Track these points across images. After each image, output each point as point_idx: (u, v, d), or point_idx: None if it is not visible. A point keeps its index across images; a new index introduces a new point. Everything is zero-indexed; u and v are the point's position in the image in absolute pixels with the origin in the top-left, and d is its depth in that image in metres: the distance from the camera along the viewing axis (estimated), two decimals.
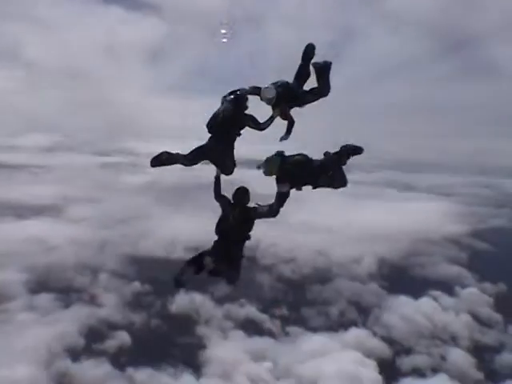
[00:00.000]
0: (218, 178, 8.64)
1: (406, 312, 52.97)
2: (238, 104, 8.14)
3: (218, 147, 8.22)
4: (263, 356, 42.55)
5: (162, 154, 8.17)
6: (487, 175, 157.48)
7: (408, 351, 46.80)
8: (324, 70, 8.23)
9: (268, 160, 8.13)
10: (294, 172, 8.02)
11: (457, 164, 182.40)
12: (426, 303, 55.27)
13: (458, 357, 45.58)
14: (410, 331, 50.07)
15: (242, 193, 8.51)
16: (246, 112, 8.32)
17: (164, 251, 64.02)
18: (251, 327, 47.73)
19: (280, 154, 8.18)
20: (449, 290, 58.53)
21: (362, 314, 53.81)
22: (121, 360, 39.31)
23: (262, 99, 8.20)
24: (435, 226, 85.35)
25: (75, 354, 39.21)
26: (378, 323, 51.65)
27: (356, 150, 8.27)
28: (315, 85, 8.44)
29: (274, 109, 8.28)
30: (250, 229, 8.43)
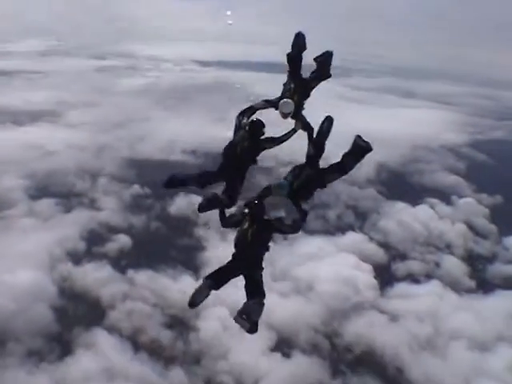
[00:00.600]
0: (222, 212, 8.29)
1: (402, 218, 53.44)
2: (254, 134, 7.97)
3: (231, 179, 8.13)
4: None
5: (173, 177, 8.16)
6: (492, 87, 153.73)
7: (403, 257, 47.83)
8: (327, 61, 8.22)
9: (276, 186, 7.93)
10: (306, 189, 7.94)
11: (463, 73, 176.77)
12: (422, 210, 55.76)
13: (452, 264, 46.75)
14: (406, 237, 50.85)
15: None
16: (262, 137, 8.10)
17: (162, 154, 63.19)
18: None
19: (290, 176, 8.11)
20: (446, 199, 58.86)
21: (359, 218, 54.36)
22: (121, 262, 39.89)
23: (279, 112, 8.13)
24: (434, 134, 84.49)
25: (76, 258, 39.43)
26: (374, 228, 52.33)
27: (365, 149, 7.85)
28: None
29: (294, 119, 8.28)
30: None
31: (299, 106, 8.18)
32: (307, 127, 8.29)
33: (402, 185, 62.70)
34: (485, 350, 36.12)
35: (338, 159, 8.03)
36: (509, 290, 42.64)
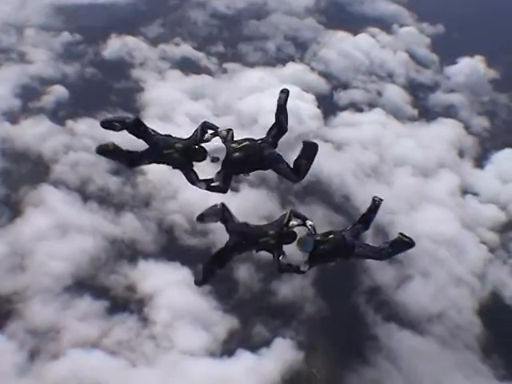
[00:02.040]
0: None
1: (343, 47, 50.22)
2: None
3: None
4: (202, 94, 40.84)
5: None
6: None
7: (345, 86, 45.94)
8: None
9: (301, 242, 7.62)
10: (327, 252, 7.70)
11: None
12: (363, 39, 52.53)
13: (394, 93, 45.50)
14: (348, 66, 48.49)
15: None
16: None
17: None
18: (188, 66, 44.71)
19: (311, 234, 7.83)
20: (387, 28, 55.56)
21: (299, 48, 50.79)
22: (59, 114, 37.17)
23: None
24: None
25: (13, 117, 36.25)
26: (315, 58, 49.29)
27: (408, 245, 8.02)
28: None
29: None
30: None
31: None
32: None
33: (341, 14, 57.82)
34: (427, 175, 36.36)
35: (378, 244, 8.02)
36: (450, 117, 42.36)
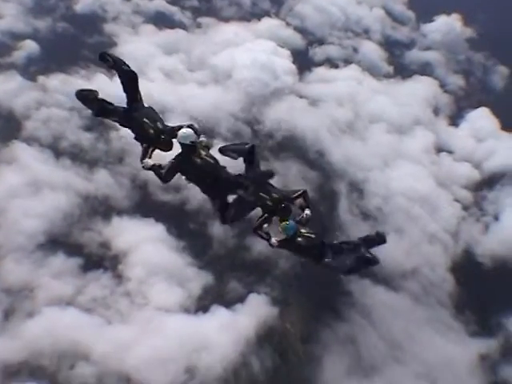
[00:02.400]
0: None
1: (319, 3, 48.57)
2: None
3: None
4: (176, 49, 39.07)
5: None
6: None
7: (321, 42, 44.60)
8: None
9: (285, 225, 7.67)
10: (300, 246, 7.79)
11: None
12: None
13: (370, 50, 44.48)
14: (323, 22, 47.00)
15: None
16: None
17: None
18: (161, 20, 42.78)
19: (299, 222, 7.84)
20: None
21: (274, 3, 48.66)
22: (30, 70, 35.11)
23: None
24: None
25: None
26: (291, 13, 47.42)
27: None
28: None
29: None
30: None
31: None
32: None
33: None
34: (402, 133, 35.86)
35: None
36: (425, 75, 41.72)
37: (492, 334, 26.37)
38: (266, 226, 7.73)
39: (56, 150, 29.78)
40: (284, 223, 7.64)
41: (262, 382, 22.65)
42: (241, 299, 25.21)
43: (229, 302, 24.78)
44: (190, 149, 7.10)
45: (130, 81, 7.19)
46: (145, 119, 7.12)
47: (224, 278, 26.21)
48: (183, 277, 25.26)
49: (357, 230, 29.44)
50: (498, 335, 26.34)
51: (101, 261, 25.17)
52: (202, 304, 24.32)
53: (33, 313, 22.24)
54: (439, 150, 35.62)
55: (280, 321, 24.89)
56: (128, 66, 7.16)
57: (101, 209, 27.58)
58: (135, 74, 7.15)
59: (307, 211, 7.82)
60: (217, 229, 27.70)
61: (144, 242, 25.91)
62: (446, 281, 28.70)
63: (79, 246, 25.51)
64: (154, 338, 22.10)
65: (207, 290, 25.23)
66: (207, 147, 7.44)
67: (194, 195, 29.16)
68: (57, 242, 25.21)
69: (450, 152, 35.66)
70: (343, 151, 32.42)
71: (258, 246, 27.42)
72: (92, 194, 27.93)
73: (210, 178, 7.15)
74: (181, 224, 27.59)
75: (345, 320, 26.14)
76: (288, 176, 31.00)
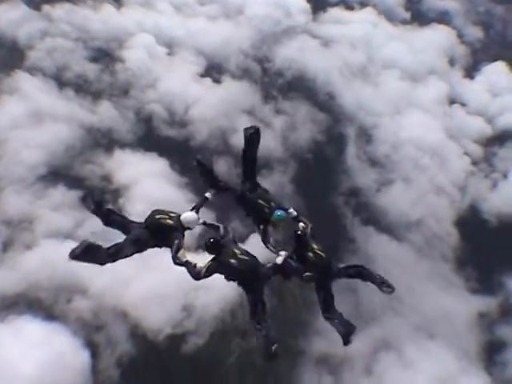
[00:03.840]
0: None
1: None
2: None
3: None
4: None
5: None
6: None
7: None
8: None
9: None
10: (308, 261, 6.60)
11: None
12: None
13: None
14: None
15: None
16: None
17: None
18: None
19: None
20: None
21: None
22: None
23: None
24: None
25: None
26: None
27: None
28: None
29: None
30: None
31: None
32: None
33: None
34: (416, 81, 34.40)
35: None
36: (443, 24, 39.74)
37: (492, 293, 25.89)
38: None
39: (60, 80, 28.94)
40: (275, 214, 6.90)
41: None
42: (242, 240, 24.76)
43: None
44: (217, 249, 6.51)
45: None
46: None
47: (226, 216, 25.68)
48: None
49: (364, 176, 28.58)
50: (499, 294, 25.85)
51: (102, 194, 24.44)
52: (202, 242, 23.67)
53: (31, 245, 21.80)
54: (452, 101, 34.27)
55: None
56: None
57: (103, 141, 26.87)
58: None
59: (301, 224, 6.96)
60: (222, 166, 26.69)
61: (146, 177, 25.22)
62: (450, 235, 28.07)
63: (80, 178, 24.86)
64: (152, 275, 21.42)
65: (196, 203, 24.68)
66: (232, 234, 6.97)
67: (200, 131, 28.15)
68: (58, 174, 24.64)
69: (463, 104, 34.29)
70: (354, 95, 31.13)
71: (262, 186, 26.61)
72: (95, 127, 27.13)
73: (249, 277, 6.52)
74: (184, 160, 26.44)
75: None
76: (296, 117, 29.80)
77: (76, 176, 24.79)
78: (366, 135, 30.15)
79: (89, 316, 20.44)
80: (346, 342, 6.56)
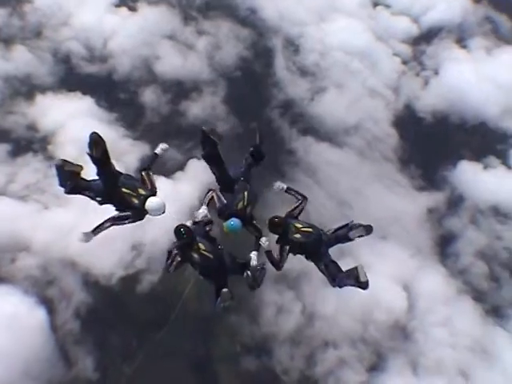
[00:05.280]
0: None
1: None
2: None
3: None
4: None
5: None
6: None
7: None
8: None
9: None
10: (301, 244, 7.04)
11: None
12: None
13: None
14: None
15: None
16: None
17: None
18: None
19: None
20: None
21: None
22: None
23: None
24: None
25: None
26: None
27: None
28: None
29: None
30: None
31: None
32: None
33: None
34: None
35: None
36: None
37: (437, 188, 26.47)
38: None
39: None
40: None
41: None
42: (180, 167, 23.92)
43: (168, 171, 23.36)
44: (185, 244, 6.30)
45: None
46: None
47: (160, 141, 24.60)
48: (118, 150, 23.37)
49: (295, 86, 27.89)
50: (444, 188, 26.45)
51: (29, 144, 23.37)
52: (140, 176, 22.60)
53: None
54: (375, 3, 33.66)
55: None
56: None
57: (23, 89, 25.20)
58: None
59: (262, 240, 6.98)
60: (149, 96, 25.97)
61: (73, 119, 23.91)
62: (389, 136, 28.23)
63: (4, 131, 23.44)
64: (94, 218, 20.36)
65: (144, 161, 23.44)
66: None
67: (121, 63, 26.67)
68: None
69: (386, 6, 33.70)
70: (276, 7, 29.84)
71: (194, 110, 25.95)
72: (11, 74, 25.32)
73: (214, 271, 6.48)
74: (110, 95, 25.59)
75: (289, 179, 25.07)
76: (219, 35, 28.46)
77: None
78: (292, 46, 29.28)
79: (37, 272, 19.54)
80: (365, 287, 6.75)
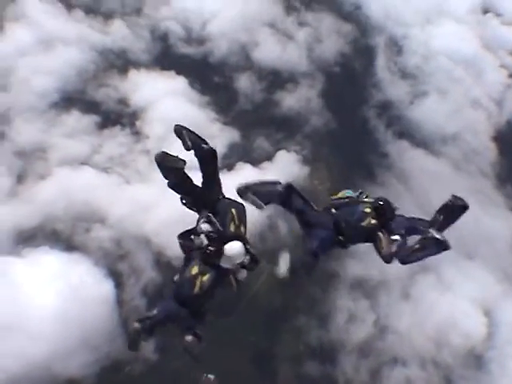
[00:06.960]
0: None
1: None
2: None
3: None
4: None
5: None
6: None
7: None
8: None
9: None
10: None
11: None
12: None
13: None
14: None
15: None
16: None
17: None
18: None
19: None
20: None
21: None
22: None
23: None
24: None
25: None
26: None
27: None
28: None
29: None
30: None
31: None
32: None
33: None
34: None
35: None
36: None
37: None
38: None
39: (67, 2, 26.87)
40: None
41: (290, 242, 20.99)
42: (269, 157, 23.41)
43: (256, 160, 23.03)
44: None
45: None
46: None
47: (251, 135, 24.30)
48: (207, 133, 23.08)
49: (396, 88, 26.81)
50: None
51: (118, 118, 23.58)
52: (227, 162, 22.15)
53: (45, 175, 20.82)
54: (486, 10, 31.75)
55: (309, 180, 23.18)
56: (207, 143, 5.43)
57: (117, 63, 25.46)
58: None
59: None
60: (244, 82, 25.52)
61: (164, 97, 23.91)
62: (488, 149, 26.59)
63: (95, 103, 23.73)
64: (174, 199, 20.18)
65: (233, 148, 23.47)
66: None
67: (219, 47, 26.52)
68: (71, 99, 23.44)
69: (497, 14, 31.74)
70: (381, 5, 28.89)
71: (288, 101, 25.50)
72: (108, 48, 25.59)
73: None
74: (204, 77, 25.34)
75: (379, 183, 24.16)
76: (320, 29, 27.82)
77: (90, 101, 23.57)
78: (395, 46, 28.20)
79: (110, 245, 19.58)
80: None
